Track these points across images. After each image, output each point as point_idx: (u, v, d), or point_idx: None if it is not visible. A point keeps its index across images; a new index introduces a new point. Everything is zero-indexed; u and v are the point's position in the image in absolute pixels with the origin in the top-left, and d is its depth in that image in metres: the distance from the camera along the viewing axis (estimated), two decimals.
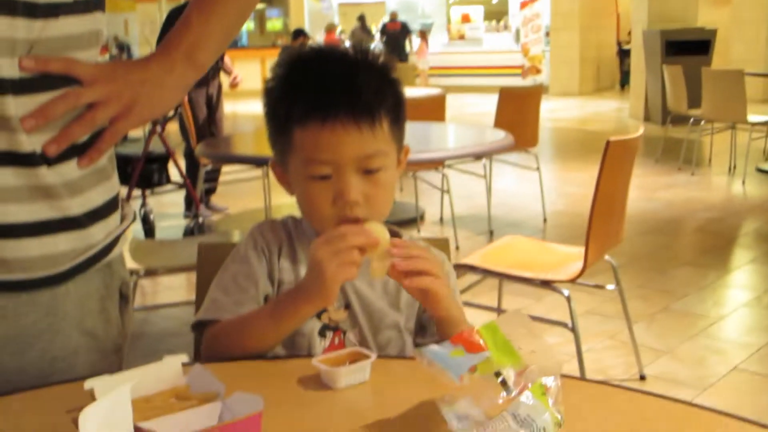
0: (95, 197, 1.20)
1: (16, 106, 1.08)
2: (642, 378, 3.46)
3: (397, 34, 18.53)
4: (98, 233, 1.21)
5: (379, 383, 1.13)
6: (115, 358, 1.29)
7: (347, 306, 1.36)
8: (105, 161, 1.23)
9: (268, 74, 1.37)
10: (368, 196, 1.27)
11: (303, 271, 1.35)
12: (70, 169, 1.15)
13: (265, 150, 1.43)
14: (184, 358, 1.09)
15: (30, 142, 1.10)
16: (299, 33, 11.55)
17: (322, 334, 1.34)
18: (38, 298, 1.15)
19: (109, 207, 1.24)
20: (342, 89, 1.28)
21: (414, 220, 6.28)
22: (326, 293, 1.19)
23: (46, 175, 1.12)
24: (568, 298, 3.00)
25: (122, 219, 1.28)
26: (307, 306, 1.22)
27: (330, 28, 17.90)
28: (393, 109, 1.32)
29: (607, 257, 3.29)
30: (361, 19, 19.41)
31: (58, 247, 1.15)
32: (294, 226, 1.41)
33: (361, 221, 1.26)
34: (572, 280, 3.05)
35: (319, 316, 1.34)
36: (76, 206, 1.17)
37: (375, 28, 20.79)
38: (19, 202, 1.11)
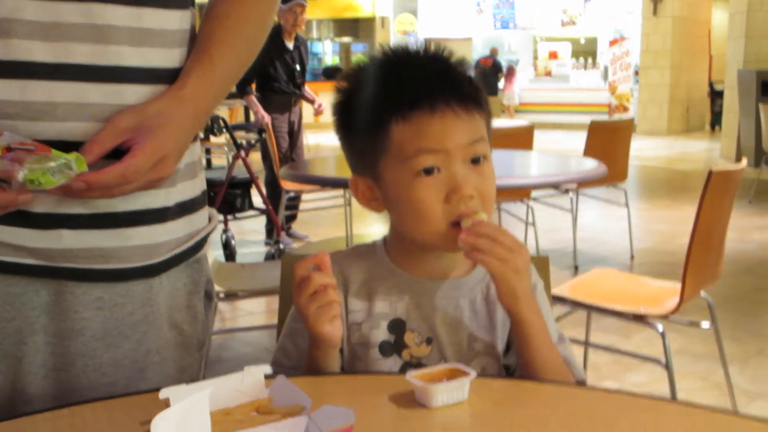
0: (186, 191, 1.20)
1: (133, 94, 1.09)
2: None
3: (488, 71, 18.68)
4: (188, 227, 1.20)
5: (477, 403, 1.03)
6: (197, 355, 1.27)
7: (430, 340, 1.26)
8: (195, 157, 1.22)
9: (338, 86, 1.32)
10: (479, 189, 1.21)
11: (378, 306, 1.27)
12: None
13: (347, 172, 1.35)
14: (266, 369, 1.02)
15: None
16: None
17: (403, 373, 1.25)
18: (134, 288, 1.14)
19: (198, 202, 1.23)
20: (443, 76, 1.24)
21: None
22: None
23: None
24: (663, 334, 2.85)
25: (210, 219, 1.27)
26: (314, 350, 1.17)
27: None
28: (485, 99, 1.28)
29: (702, 294, 3.14)
30: None
31: (154, 237, 1.14)
32: (366, 253, 1.33)
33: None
34: (667, 316, 2.91)
35: (400, 353, 1.25)
36: (173, 197, 1.16)
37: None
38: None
